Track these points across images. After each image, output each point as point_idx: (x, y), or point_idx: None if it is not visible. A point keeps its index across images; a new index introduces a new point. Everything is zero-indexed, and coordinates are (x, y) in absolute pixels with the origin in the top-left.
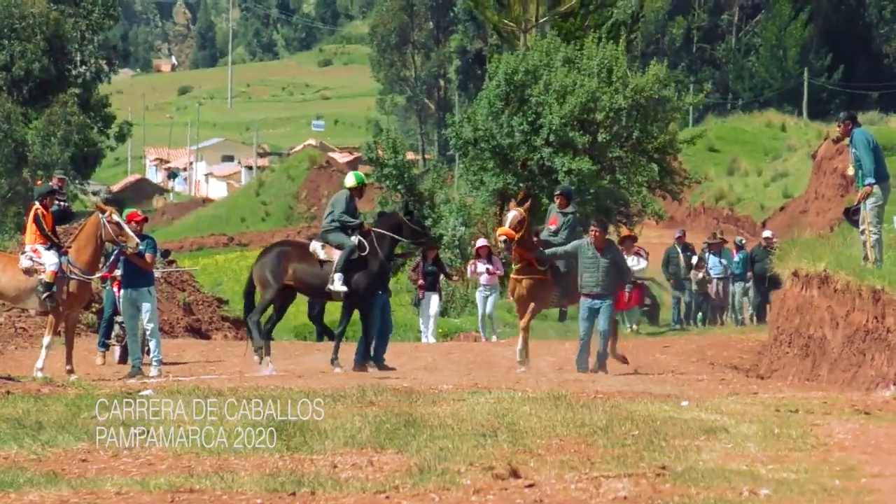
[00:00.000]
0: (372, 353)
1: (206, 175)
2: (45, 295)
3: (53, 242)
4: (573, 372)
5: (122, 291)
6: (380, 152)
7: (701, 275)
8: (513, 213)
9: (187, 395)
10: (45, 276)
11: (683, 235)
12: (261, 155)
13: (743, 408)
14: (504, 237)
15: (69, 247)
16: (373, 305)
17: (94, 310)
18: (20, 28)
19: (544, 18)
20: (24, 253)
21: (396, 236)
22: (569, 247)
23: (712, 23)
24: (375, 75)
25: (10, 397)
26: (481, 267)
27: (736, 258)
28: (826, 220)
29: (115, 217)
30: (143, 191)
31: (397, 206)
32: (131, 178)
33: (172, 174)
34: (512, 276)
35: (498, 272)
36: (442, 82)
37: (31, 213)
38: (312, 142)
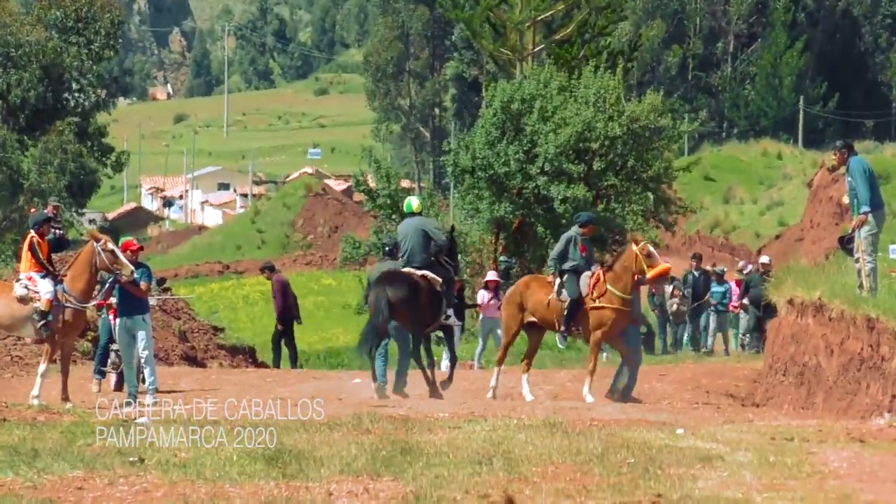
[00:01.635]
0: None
1: (202, 203)
2: (40, 323)
3: (49, 271)
4: (569, 400)
5: (117, 320)
6: (368, 182)
7: (675, 303)
8: (651, 247)
9: (182, 424)
10: (41, 305)
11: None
12: (256, 183)
13: (738, 436)
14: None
15: (64, 275)
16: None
17: (89, 338)
18: (16, 56)
19: (540, 47)
20: (18, 281)
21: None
22: None
23: (708, 51)
24: (370, 104)
25: (5, 424)
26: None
27: (717, 288)
28: (821, 249)
29: (110, 245)
30: (138, 219)
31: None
32: (127, 206)
33: (168, 202)
34: (617, 307)
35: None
36: (437, 110)
37: (27, 241)
38: (308, 170)
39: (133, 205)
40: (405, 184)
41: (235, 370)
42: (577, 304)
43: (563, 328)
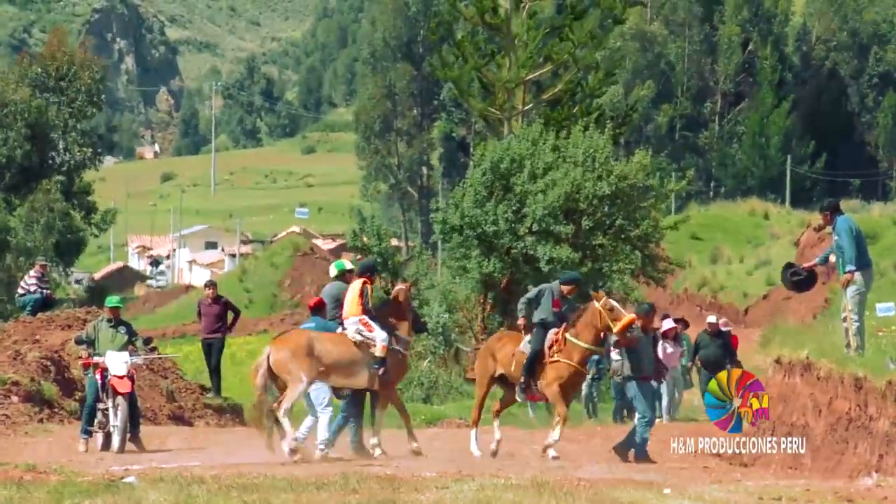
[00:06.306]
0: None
1: (189, 262)
2: (380, 370)
3: (374, 316)
4: (557, 460)
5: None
6: (364, 239)
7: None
8: (612, 301)
9: (170, 483)
10: (378, 351)
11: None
12: (244, 242)
13: (726, 496)
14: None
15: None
16: None
17: (76, 397)
18: (2, 115)
19: (529, 106)
20: (345, 327)
21: None
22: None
23: (695, 111)
24: (359, 163)
25: None
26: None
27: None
28: (809, 309)
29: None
30: (125, 278)
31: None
32: (114, 265)
33: (155, 262)
34: (575, 364)
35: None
36: (425, 169)
37: (359, 287)
38: (296, 229)
39: (120, 264)
40: (394, 242)
41: (223, 429)
42: (537, 358)
43: (521, 380)
